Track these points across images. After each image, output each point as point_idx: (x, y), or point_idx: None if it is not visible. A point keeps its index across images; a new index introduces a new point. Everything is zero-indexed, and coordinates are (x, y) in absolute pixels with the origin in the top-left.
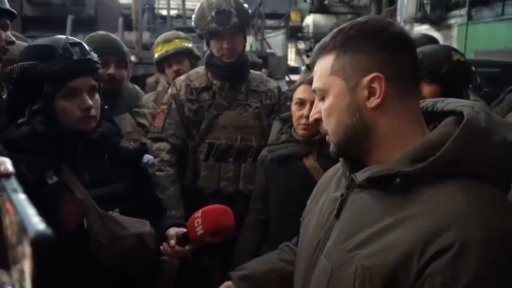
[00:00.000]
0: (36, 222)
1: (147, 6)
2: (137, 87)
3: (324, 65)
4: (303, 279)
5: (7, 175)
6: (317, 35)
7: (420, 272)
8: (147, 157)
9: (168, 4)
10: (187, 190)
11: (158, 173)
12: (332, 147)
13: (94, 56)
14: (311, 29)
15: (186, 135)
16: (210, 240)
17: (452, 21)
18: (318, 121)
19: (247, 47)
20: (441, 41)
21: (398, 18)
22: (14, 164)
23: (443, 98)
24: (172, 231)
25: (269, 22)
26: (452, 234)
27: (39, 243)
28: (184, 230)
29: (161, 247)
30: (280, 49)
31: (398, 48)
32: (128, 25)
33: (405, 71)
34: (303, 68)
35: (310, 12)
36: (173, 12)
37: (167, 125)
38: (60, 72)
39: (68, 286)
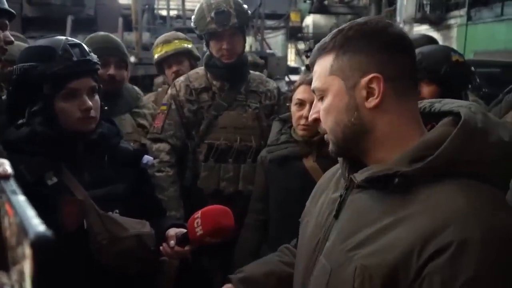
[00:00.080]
0: (36, 224)
1: (146, 6)
2: (136, 88)
3: (323, 65)
4: (303, 280)
5: (6, 177)
6: (317, 36)
7: (419, 271)
8: (147, 158)
9: (168, 5)
10: (186, 190)
11: (157, 173)
12: (331, 147)
13: (94, 57)
14: (311, 30)
15: (186, 135)
16: (209, 240)
17: (451, 21)
18: (317, 120)
19: (247, 48)
20: (441, 42)
21: (398, 19)
22: (14, 165)
23: (440, 99)
24: (172, 231)
25: (269, 22)
26: (451, 233)
27: (39, 245)
28: (184, 230)
29: (161, 247)
30: (280, 50)
31: (397, 49)
32: (128, 26)
33: (403, 72)
34: (303, 68)
35: (310, 12)
36: (172, 13)
37: (166, 126)
38: (60, 73)
39: (68, 287)
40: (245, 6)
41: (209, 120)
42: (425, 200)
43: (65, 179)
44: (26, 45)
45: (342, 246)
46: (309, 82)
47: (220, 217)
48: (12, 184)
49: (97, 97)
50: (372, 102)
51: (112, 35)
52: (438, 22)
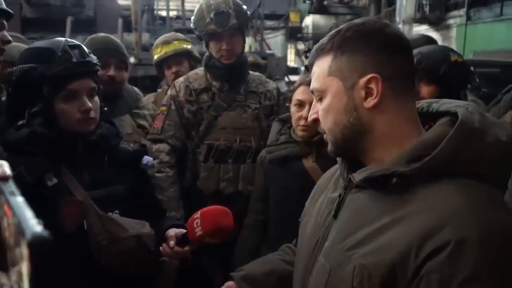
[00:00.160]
0: (34, 224)
1: (146, 7)
2: (136, 88)
3: (322, 66)
4: (302, 280)
5: (4, 178)
6: (317, 36)
7: (417, 270)
8: (147, 159)
9: (168, 5)
10: (186, 191)
11: (157, 174)
12: (329, 147)
13: (94, 58)
14: (310, 30)
15: (186, 136)
16: (209, 240)
17: (451, 21)
18: (316, 121)
19: (246, 48)
20: (440, 42)
21: (397, 19)
22: (14, 166)
23: (438, 99)
24: (172, 232)
25: (269, 23)
26: (448, 232)
27: (36, 245)
28: (184, 231)
29: (161, 248)
30: (280, 50)
31: (395, 50)
32: (128, 26)
33: (401, 72)
34: (302, 68)
35: (310, 12)
36: (172, 13)
37: (166, 127)
38: (59, 74)
39: (68, 287)
40: (245, 6)
41: (209, 121)
42: (423, 199)
43: (65, 180)
44: (26, 46)
45: (341, 245)
46: (309, 83)
47: (219, 218)
48: (11, 185)
49: (96, 98)
50: (370, 102)
51: (112, 36)
52: (437, 22)
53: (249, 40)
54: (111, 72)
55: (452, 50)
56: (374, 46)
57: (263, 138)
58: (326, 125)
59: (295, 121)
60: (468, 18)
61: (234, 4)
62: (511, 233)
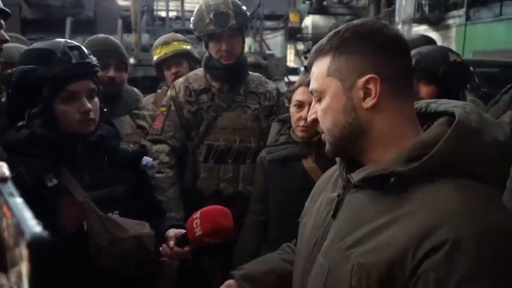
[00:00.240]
0: (33, 225)
1: (146, 8)
2: (136, 89)
3: (320, 66)
4: (301, 279)
5: (3, 179)
6: (316, 36)
7: (415, 269)
8: (146, 159)
9: (167, 6)
10: (186, 191)
11: (157, 175)
12: (327, 147)
13: (93, 59)
14: (310, 30)
15: (185, 137)
16: (209, 241)
17: (450, 21)
18: (315, 121)
19: (246, 49)
20: (440, 42)
21: (397, 19)
22: (14, 167)
23: (436, 99)
24: (171, 232)
25: (268, 23)
26: (446, 231)
27: (35, 245)
28: (183, 231)
29: (161, 248)
30: (279, 50)
31: (393, 50)
32: (127, 27)
33: (400, 73)
34: (302, 69)
35: (309, 13)
36: (172, 14)
37: (166, 127)
38: (59, 76)
39: None
40: (244, 7)
41: (209, 121)
42: (420, 199)
43: (65, 181)
44: (26, 47)
45: (340, 244)
46: (308, 84)
47: (219, 218)
48: (10, 187)
49: (96, 99)
50: (369, 102)
51: (111, 37)
52: (437, 22)
53: (248, 41)
54: (111, 73)
55: (451, 50)
56: (372, 47)
57: (263, 138)
58: (325, 125)
59: (295, 121)
60: (468, 18)
61: (234, 5)
62: (509, 232)
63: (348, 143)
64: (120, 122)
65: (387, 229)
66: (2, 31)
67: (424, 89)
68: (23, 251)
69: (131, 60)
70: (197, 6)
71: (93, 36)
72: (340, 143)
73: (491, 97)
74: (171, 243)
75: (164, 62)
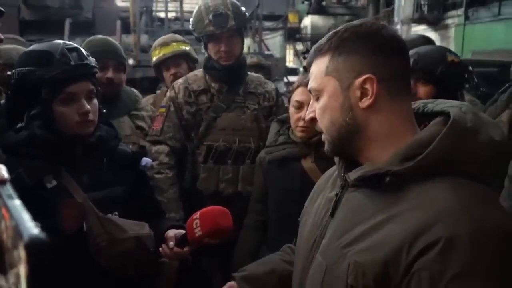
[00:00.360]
0: (31, 227)
1: (145, 9)
2: (135, 90)
3: (319, 66)
4: (300, 279)
5: (2, 181)
6: (315, 36)
7: (409, 267)
8: (146, 160)
9: (166, 7)
10: (186, 192)
11: (157, 175)
12: (326, 146)
13: (92, 60)
14: (309, 31)
15: (185, 137)
16: (208, 241)
17: (449, 21)
18: (313, 120)
19: (245, 49)
20: (439, 42)
21: (396, 19)
22: (13, 169)
23: (434, 99)
24: (171, 233)
25: (267, 23)
26: (440, 229)
27: (33, 247)
28: (183, 231)
29: (160, 249)
30: (278, 51)
31: (391, 51)
32: (126, 28)
33: (397, 73)
34: (301, 69)
35: (308, 13)
36: (170, 15)
37: (166, 128)
38: (57, 77)
39: None
40: (243, 8)
41: (208, 122)
42: (416, 197)
43: (65, 182)
44: (24, 48)
45: (337, 243)
46: (307, 84)
47: (218, 218)
48: (9, 189)
49: (95, 100)
50: (365, 102)
51: (110, 38)
52: (436, 22)
53: (247, 41)
54: (109, 74)
55: (449, 50)
56: (370, 47)
57: (262, 139)
58: (322, 124)
59: (294, 122)
60: (467, 18)
61: (233, 6)
62: (504, 232)
63: (345, 142)
64: (119, 123)
65: (382, 227)
66: None
67: (422, 89)
68: (21, 253)
69: (130, 61)
70: (196, 7)
71: (91, 37)
72: (337, 142)
73: (490, 97)
74: (171, 243)
75: (163, 63)
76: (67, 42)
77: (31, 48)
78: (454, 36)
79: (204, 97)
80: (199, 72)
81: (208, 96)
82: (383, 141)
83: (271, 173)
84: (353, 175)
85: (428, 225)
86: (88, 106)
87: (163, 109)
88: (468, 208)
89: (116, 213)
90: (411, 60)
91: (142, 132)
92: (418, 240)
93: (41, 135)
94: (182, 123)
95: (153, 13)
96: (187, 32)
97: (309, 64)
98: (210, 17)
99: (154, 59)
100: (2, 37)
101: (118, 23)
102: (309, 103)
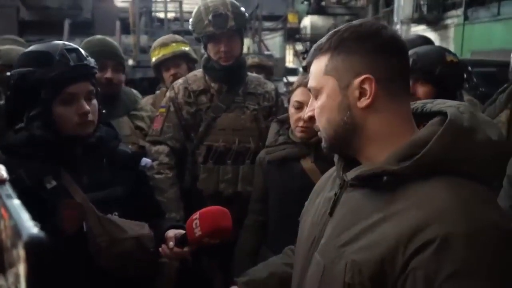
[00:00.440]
0: (30, 226)
1: (144, 9)
2: (134, 90)
3: (319, 65)
4: (299, 279)
5: (1, 181)
6: (315, 37)
7: (404, 266)
8: (146, 160)
9: (165, 7)
10: (186, 192)
11: (157, 176)
12: (323, 143)
13: (91, 61)
14: (308, 31)
15: (185, 137)
16: (208, 241)
17: (448, 21)
18: (312, 118)
19: (244, 50)
20: (438, 42)
21: (395, 19)
22: (13, 169)
23: (432, 99)
24: (171, 233)
25: (267, 24)
26: (436, 228)
27: (32, 246)
28: (183, 232)
29: (160, 249)
30: (278, 51)
31: (391, 51)
32: (126, 29)
33: (396, 73)
34: (301, 69)
35: (308, 13)
36: (170, 15)
37: (165, 128)
38: (57, 78)
39: None
40: (243, 8)
41: (208, 122)
42: (413, 197)
43: (64, 183)
44: (24, 49)
45: (335, 242)
46: (307, 84)
47: (218, 218)
48: (8, 189)
49: (94, 101)
50: (364, 102)
51: (109, 39)
52: (435, 22)
53: (247, 41)
54: (109, 74)
55: (447, 50)
56: (370, 48)
57: (262, 139)
58: (320, 122)
59: (294, 122)
60: (466, 18)
61: (232, 6)
62: (500, 231)
63: (342, 141)
64: (119, 123)
65: (379, 226)
66: None
67: (421, 89)
68: (21, 252)
69: (130, 62)
70: (196, 8)
71: (90, 38)
72: (334, 141)
73: (489, 97)
74: (171, 243)
75: (163, 64)
76: (67, 42)
77: (30, 48)
78: (453, 36)
79: (203, 98)
80: (198, 72)
81: (207, 97)
82: (382, 140)
83: (271, 173)
84: (350, 175)
85: (424, 224)
86: (88, 107)
87: (162, 109)
88: (466, 207)
89: (116, 213)
90: (410, 60)
91: (142, 132)
92: (414, 238)
93: (40, 136)
94: (182, 123)
95: (153, 14)
96: (187, 33)
97: (309, 63)
98: (210, 17)
99: (153, 59)
100: None
101: (118, 23)
102: (308, 103)
